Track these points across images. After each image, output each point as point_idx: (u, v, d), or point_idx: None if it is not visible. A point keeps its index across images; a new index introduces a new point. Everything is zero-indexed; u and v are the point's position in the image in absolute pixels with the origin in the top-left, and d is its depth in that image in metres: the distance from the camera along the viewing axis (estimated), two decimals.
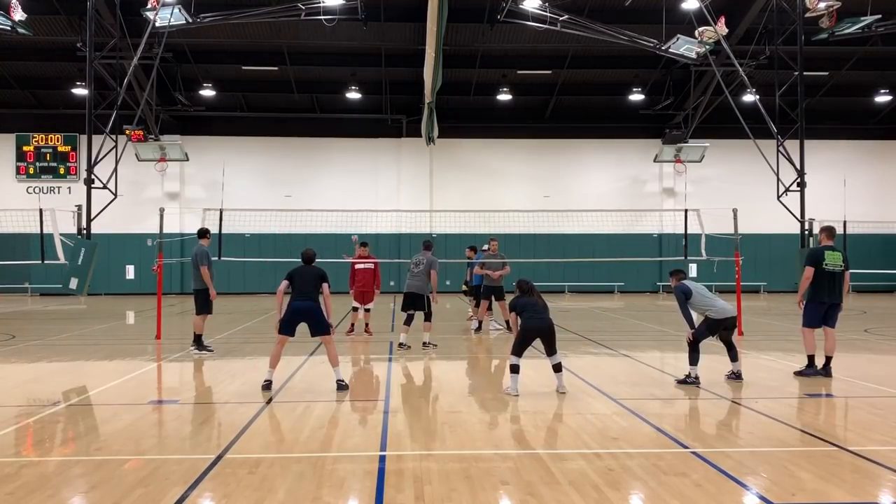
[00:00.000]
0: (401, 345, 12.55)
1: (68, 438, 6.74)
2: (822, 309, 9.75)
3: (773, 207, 22.38)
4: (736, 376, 9.41)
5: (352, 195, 31.06)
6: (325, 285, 8.97)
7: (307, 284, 8.95)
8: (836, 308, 9.83)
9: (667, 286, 31.77)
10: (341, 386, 8.84)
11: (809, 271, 9.67)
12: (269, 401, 8.26)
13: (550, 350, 8.67)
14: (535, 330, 8.57)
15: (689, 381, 9.15)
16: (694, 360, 9.20)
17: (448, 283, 31.28)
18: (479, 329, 15.39)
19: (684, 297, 9.21)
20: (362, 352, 12.79)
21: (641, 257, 28.69)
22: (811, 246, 20.42)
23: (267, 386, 8.86)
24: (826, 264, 9.67)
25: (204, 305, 12.29)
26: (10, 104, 30.70)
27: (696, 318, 9.38)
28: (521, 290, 8.82)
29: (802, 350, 10.10)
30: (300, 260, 9.32)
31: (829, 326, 9.79)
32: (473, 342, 14.08)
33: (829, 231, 10.04)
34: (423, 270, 12.79)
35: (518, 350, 8.58)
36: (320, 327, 8.94)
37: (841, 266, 9.75)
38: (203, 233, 12.67)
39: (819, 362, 9.83)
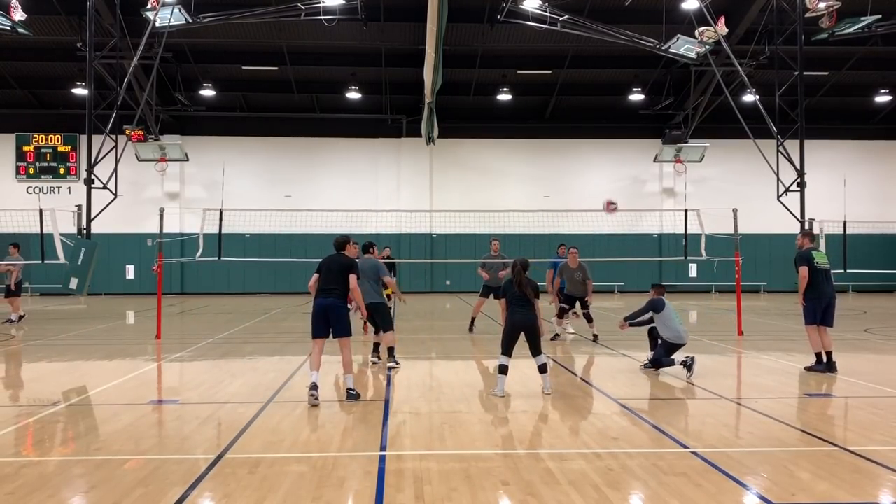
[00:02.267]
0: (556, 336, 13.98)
1: (68, 438, 6.74)
2: (820, 305, 10.02)
3: (773, 207, 22.39)
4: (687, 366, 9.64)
5: (352, 195, 31.07)
6: (351, 277, 8.33)
7: (332, 278, 8.33)
8: (832, 306, 10.11)
9: (667, 286, 31.82)
10: (351, 395, 8.22)
11: (805, 270, 9.99)
12: (269, 401, 8.26)
13: (534, 350, 8.50)
14: (518, 326, 8.40)
15: (688, 364, 9.60)
16: (669, 363, 9.89)
17: (448, 283, 31.33)
18: (471, 329, 15.50)
19: (653, 309, 10.14)
20: (362, 352, 12.78)
21: (641, 257, 28.68)
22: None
23: (313, 387, 7.99)
24: (817, 262, 10.06)
25: (388, 318, 10.92)
26: (10, 104, 30.71)
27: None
28: (513, 271, 8.68)
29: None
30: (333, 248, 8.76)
31: (827, 325, 10.06)
32: (473, 342, 14.08)
33: (809, 235, 10.55)
34: (581, 279, 14.06)
35: (506, 348, 8.45)
36: (340, 328, 8.29)
37: (828, 264, 10.21)
38: (367, 247, 11.22)
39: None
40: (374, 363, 10.98)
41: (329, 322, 8.26)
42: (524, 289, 8.44)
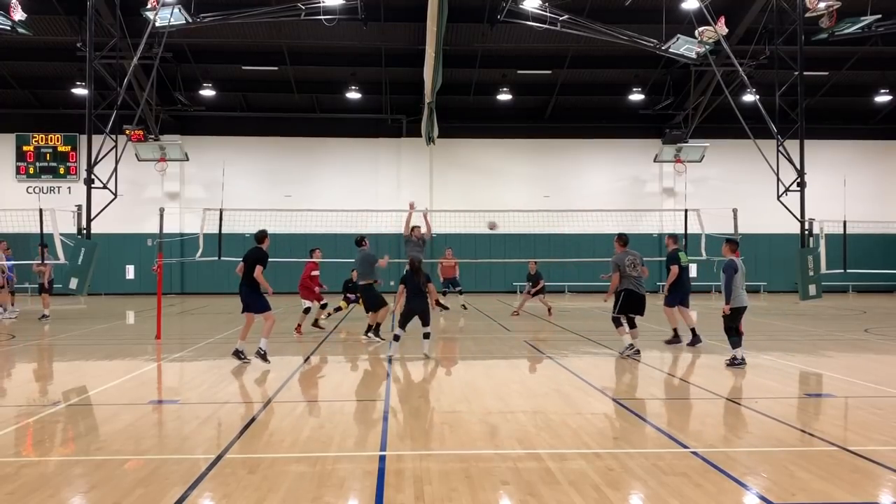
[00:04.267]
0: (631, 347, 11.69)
1: (68, 438, 6.74)
2: (682, 291, 13.19)
3: (773, 207, 22.37)
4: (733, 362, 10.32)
5: (352, 195, 31.05)
6: (257, 268, 10.29)
7: (245, 269, 10.41)
8: (689, 292, 13.43)
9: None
10: (260, 354, 10.29)
11: (676, 269, 13.08)
12: (269, 401, 8.26)
13: (425, 324, 10.97)
14: (415, 310, 10.91)
15: (737, 363, 10.25)
16: (735, 343, 10.38)
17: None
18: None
19: (733, 272, 10.43)
20: (362, 352, 12.78)
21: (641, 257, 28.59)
22: (811, 245, 20.47)
23: (236, 353, 10.43)
24: (682, 263, 13.18)
25: (376, 298, 13.55)
26: (10, 104, 30.69)
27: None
28: (411, 267, 11.06)
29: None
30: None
31: (685, 306, 13.20)
32: (471, 342, 14.08)
33: (674, 238, 13.51)
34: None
35: (403, 324, 10.94)
36: (254, 308, 10.47)
37: (688, 261, 13.39)
38: (360, 241, 14.00)
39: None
40: (368, 338, 13.27)
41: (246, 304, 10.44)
42: (421, 281, 10.86)
